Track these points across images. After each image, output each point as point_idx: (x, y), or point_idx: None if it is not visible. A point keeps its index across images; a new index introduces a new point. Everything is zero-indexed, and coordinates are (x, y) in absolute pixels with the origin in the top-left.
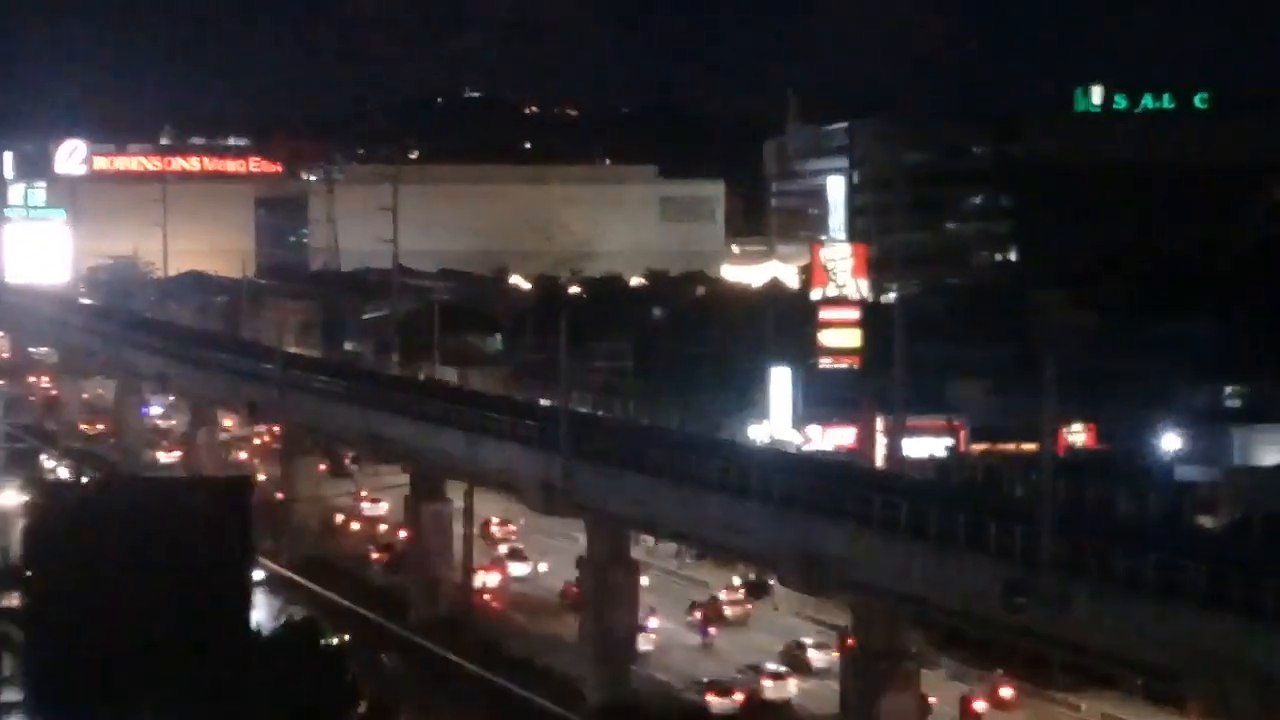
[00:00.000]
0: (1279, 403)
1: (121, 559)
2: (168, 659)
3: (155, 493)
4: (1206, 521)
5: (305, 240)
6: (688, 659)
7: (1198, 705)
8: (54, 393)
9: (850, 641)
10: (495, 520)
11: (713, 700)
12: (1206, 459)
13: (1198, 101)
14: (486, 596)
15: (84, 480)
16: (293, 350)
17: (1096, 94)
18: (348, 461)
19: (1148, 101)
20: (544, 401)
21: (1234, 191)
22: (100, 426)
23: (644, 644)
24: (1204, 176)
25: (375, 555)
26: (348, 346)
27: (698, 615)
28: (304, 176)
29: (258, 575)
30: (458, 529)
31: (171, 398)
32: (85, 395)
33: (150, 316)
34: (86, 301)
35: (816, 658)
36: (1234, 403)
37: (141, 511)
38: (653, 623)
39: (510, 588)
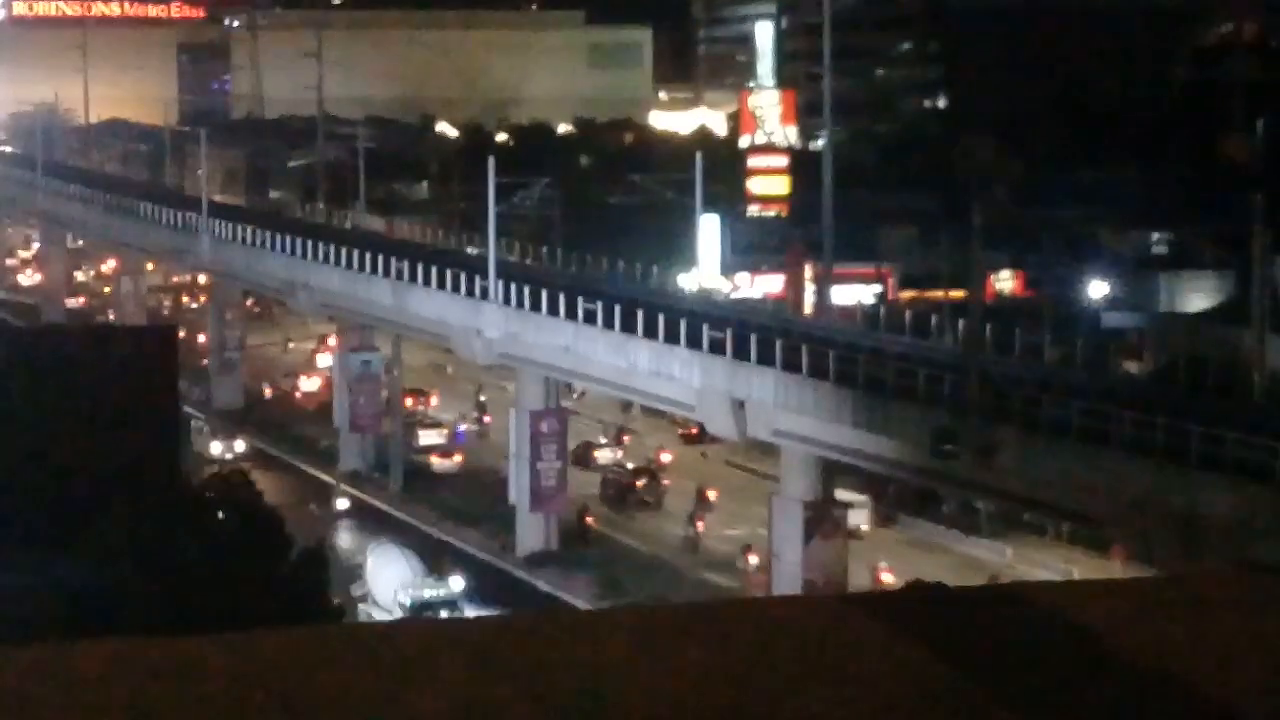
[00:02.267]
0: (1204, 249)
1: (46, 408)
2: (96, 510)
3: (82, 341)
4: (1132, 367)
5: (228, 88)
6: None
7: (1122, 549)
8: None
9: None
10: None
11: None
12: (1133, 305)
13: None
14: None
15: (8, 329)
16: (217, 199)
17: None
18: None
19: None
20: (471, 250)
21: (1161, 36)
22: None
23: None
24: (1132, 20)
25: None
26: (273, 195)
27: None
28: (227, 22)
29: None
30: None
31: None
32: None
33: (72, 164)
34: (6, 149)
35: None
36: (1160, 249)
37: (69, 360)
38: None
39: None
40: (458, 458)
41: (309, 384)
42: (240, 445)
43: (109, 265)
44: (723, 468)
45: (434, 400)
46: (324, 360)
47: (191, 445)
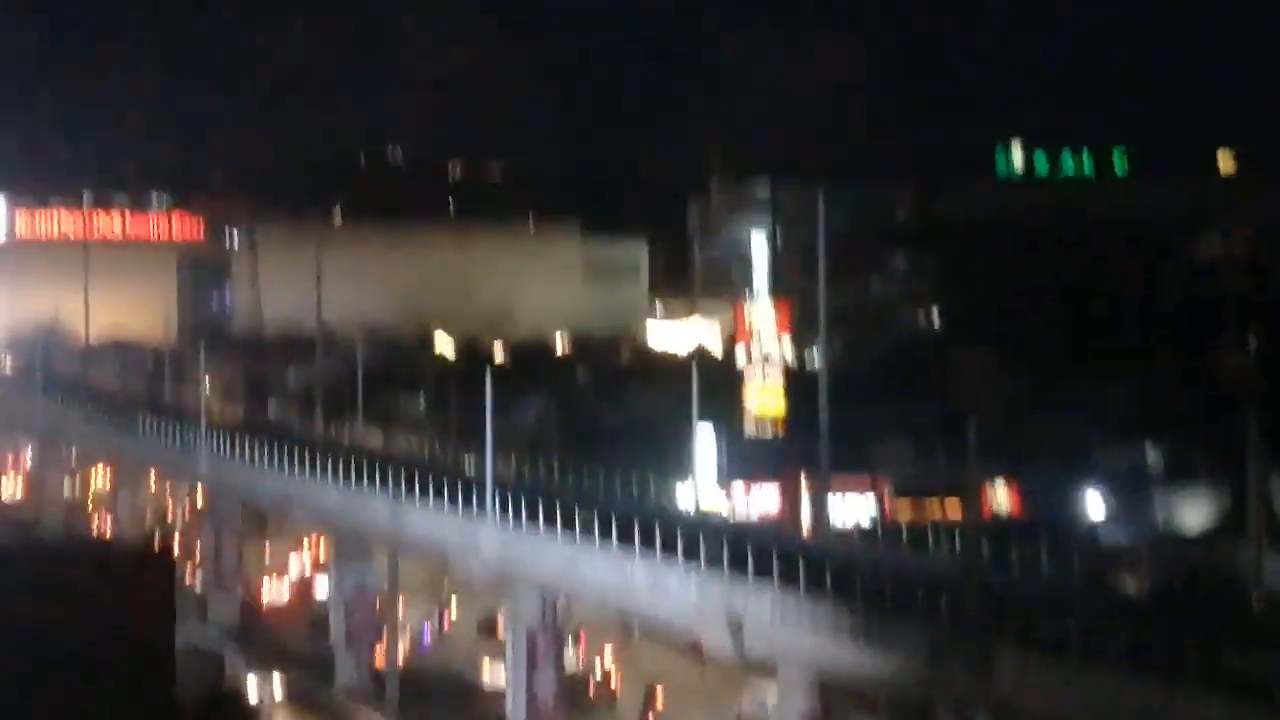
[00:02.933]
0: (1200, 463)
1: (40, 623)
2: None
3: (78, 558)
4: (1129, 582)
5: (228, 303)
6: None
7: None
8: None
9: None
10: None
11: None
12: (1129, 519)
13: (1116, 158)
14: None
15: (3, 547)
16: (216, 414)
17: (1017, 153)
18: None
19: (1067, 158)
20: (468, 461)
21: (1155, 252)
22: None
23: None
24: (1126, 236)
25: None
26: (271, 410)
27: None
28: (228, 238)
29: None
30: None
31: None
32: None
33: (72, 380)
34: (7, 366)
35: None
36: (1156, 463)
37: (64, 577)
38: None
39: None
40: None
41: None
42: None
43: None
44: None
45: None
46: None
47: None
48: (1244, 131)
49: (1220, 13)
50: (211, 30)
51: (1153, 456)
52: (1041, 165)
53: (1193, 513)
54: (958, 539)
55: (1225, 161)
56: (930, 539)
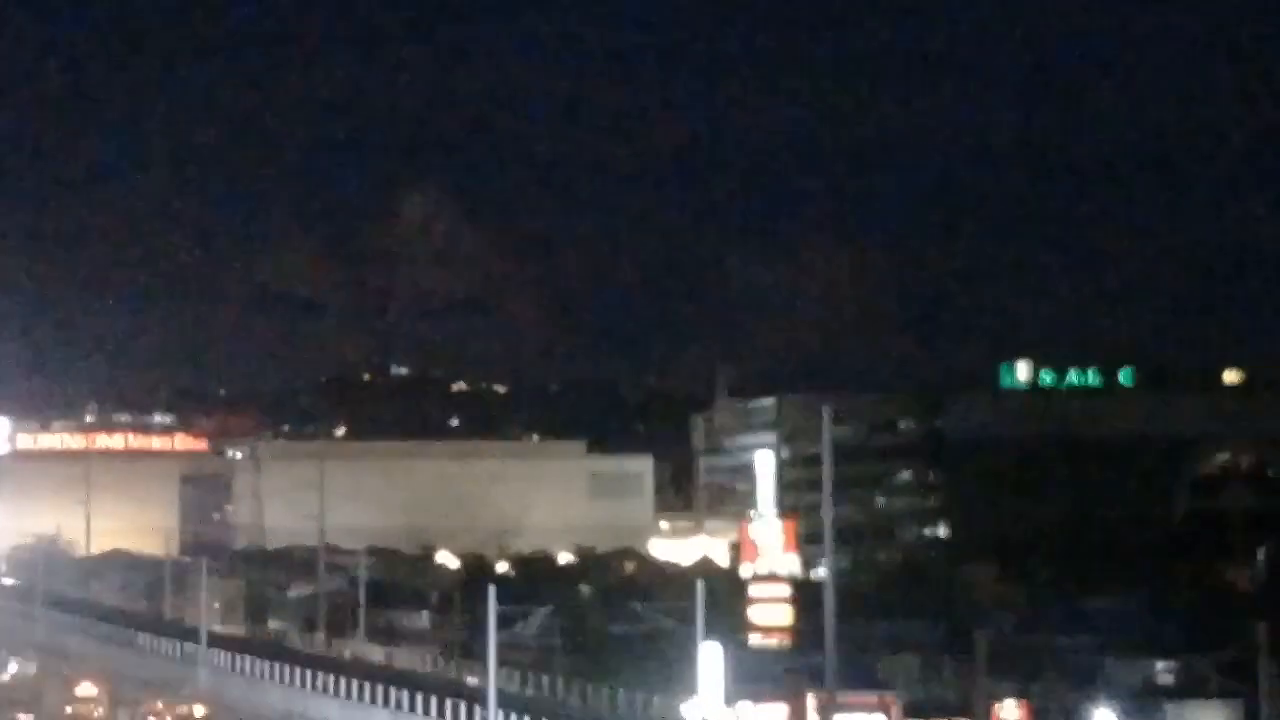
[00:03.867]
0: (1210, 678)
1: None
2: None
3: None
4: None
5: (230, 517)
6: None
7: None
8: None
9: None
10: None
11: None
12: None
13: (1124, 377)
14: None
15: None
16: (217, 628)
17: (1022, 369)
18: None
19: (1073, 377)
20: (471, 680)
21: (1161, 466)
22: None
23: None
24: (1132, 451)
25: None
26: (272, 624)
27: None
28: (229, 453)
29: None
30: None
31: None
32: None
33: (72, 595)
34: (7, 581)
35: None
36: (1166, 678)
37: None
38: None
39: None
40: None
41: None
42: None
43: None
44: None
45: None
46: None
47: None
48: (1247, 348)
49: (1221, 230)
50: (213, 250)
51: (1163, 671)
52: (1046, 380)
53: None
54: None
55: (1230, 376)
56: None
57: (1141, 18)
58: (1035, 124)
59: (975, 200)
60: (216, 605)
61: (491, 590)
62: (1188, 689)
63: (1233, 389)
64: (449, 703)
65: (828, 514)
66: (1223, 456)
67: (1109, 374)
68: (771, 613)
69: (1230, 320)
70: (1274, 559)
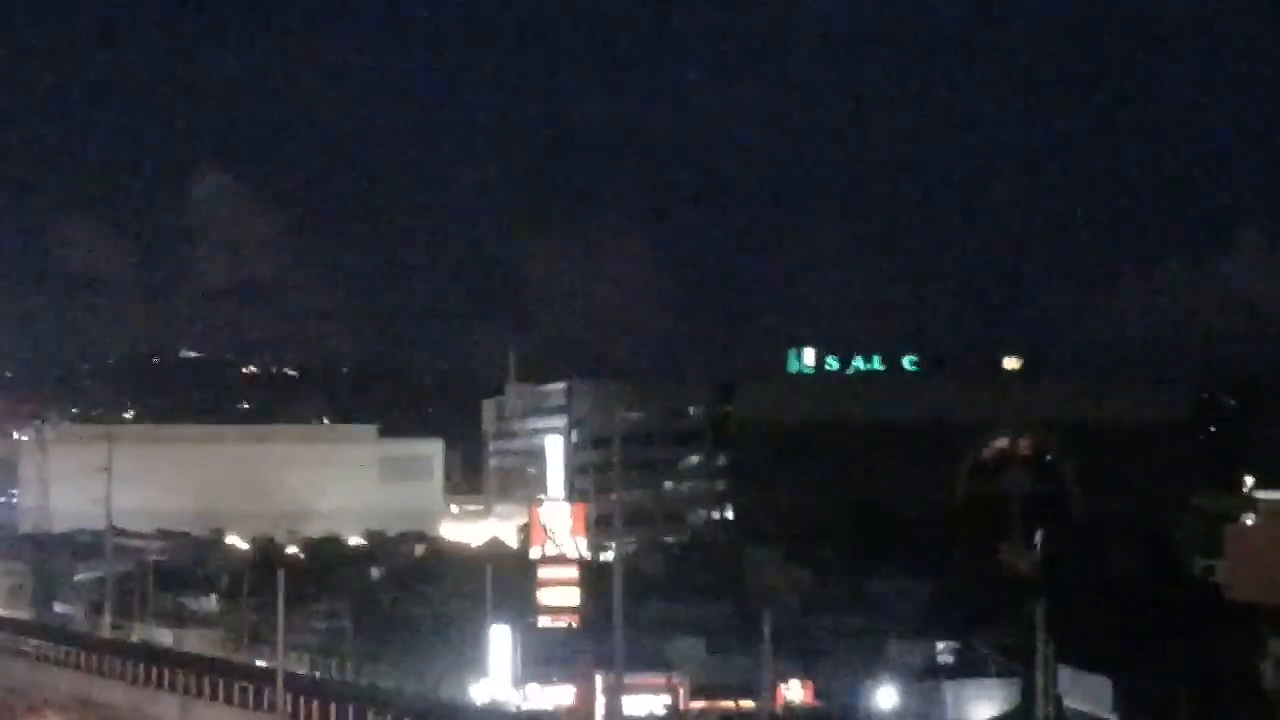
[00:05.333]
0: (988, 657)
1: None
2: None
3: None
4: None
5: (15, 501)
6: None
7: None
8: None
9: None
10: None
11: None
12: (920, 714)
13: (906, 364)
14: None
15: None
16: (2, 612)
17: (809, 355)
18: None
19: (859, 363)
20: (261, 663)
21: (943, 450)
22: None
23: None
24: (914, 436)
25: None
26: (59, 608)
27: None
28: (15, 435)
29: None
30: None
31: None
32: None
33: None
34: None
35: None
36: (946, 658)
37: None
38: None
39: None
40: None
41: None
42: None
43: None
44: None
45: None
46: None
47: None
48: (1026, 335)
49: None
50: (3, 229)
51: (944, 652)
52: (832, 365)
53: (983, 705)
54: None
55: (1010, 363)
56: None
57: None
58: (828, 111)
59: (767, 188)
60: (2, 589)
61: (281, 574)
62: (967, 669)
63: (1012, 375)
64: (237, 686)
65: (617, 497)
66: (1002, 441)
67: (892, 360)
68: (560, 595)
69: (1010, 308)
70: (1051, 542)
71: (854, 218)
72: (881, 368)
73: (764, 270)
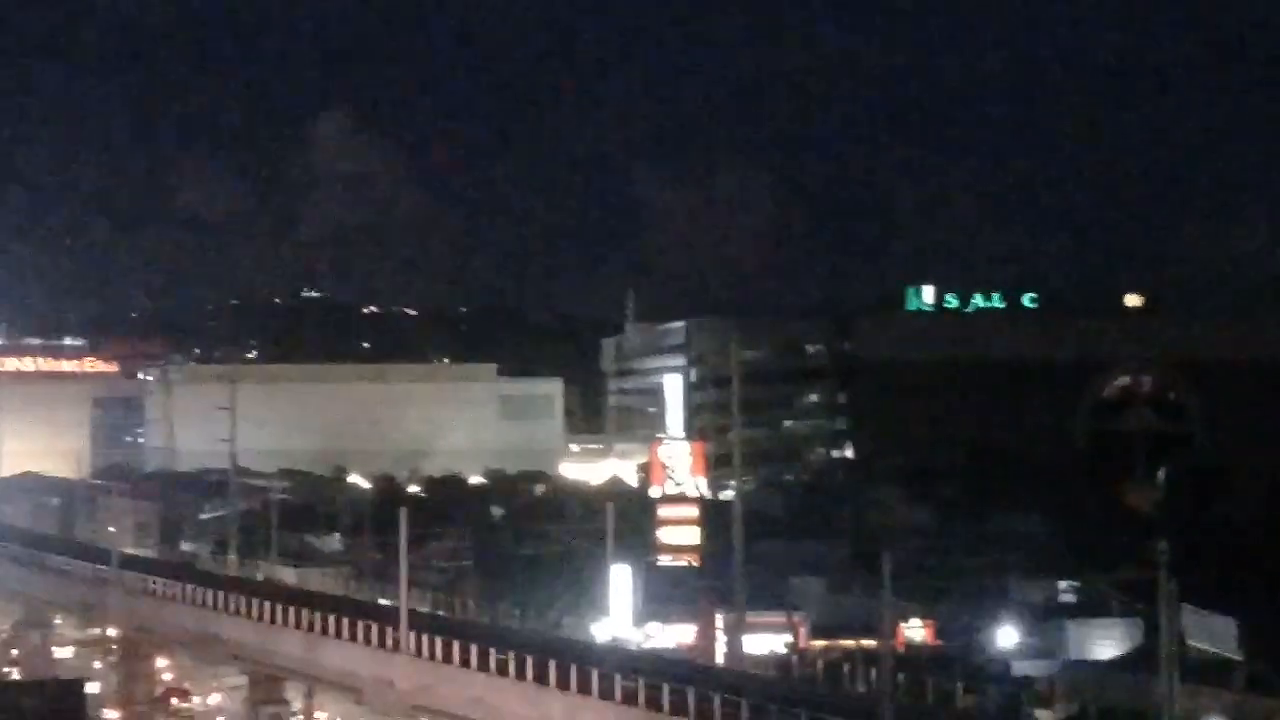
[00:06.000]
0: (1111, 597)
1: None
2: None
3: None
4: (1043, 715)
5: (142, 440)
6: None
7: None
8: None
9: None
10: None
11: None
12: (1042, 653)
13: (1026, 301)
14: None
15: None
16: (129, 551)
17: (928, 293)
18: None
19: (978, 301)
20: (383, 601)
21: (1063, 389)
22: None
23: None
24: (1034, 374)
25: None
26: (185, 547)
27: None
28: (141, 376)
29: None
30: None
31: None
32: None
33: None
34: None
35: None
36: (1068, 597)
37: None
38: None
39: None
40: None
41: None
42: None
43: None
44: None
45: None
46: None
47: None
48: (1149, 271)
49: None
50: (124, 175)
51: (1065, 591)
52: (952, 303)
53: (1105, 645)
54: (873, 672)
55: (1132, 300)
56: (846, 673)
57: None
58: (943, 49)
59: (884, 126)
60: (129, 528)
61: (403, 512)
62: (1089, 608)
63: (1135, 312)
64: (361, 624)
65: (736, 436)
66: (1124, 379)
67: (1013, 297)
68: (680, 533)
69: (1132, 244)
70: (1174, 480)
71: (974, 152)
72: (1001, 305)
73: (883, 207)
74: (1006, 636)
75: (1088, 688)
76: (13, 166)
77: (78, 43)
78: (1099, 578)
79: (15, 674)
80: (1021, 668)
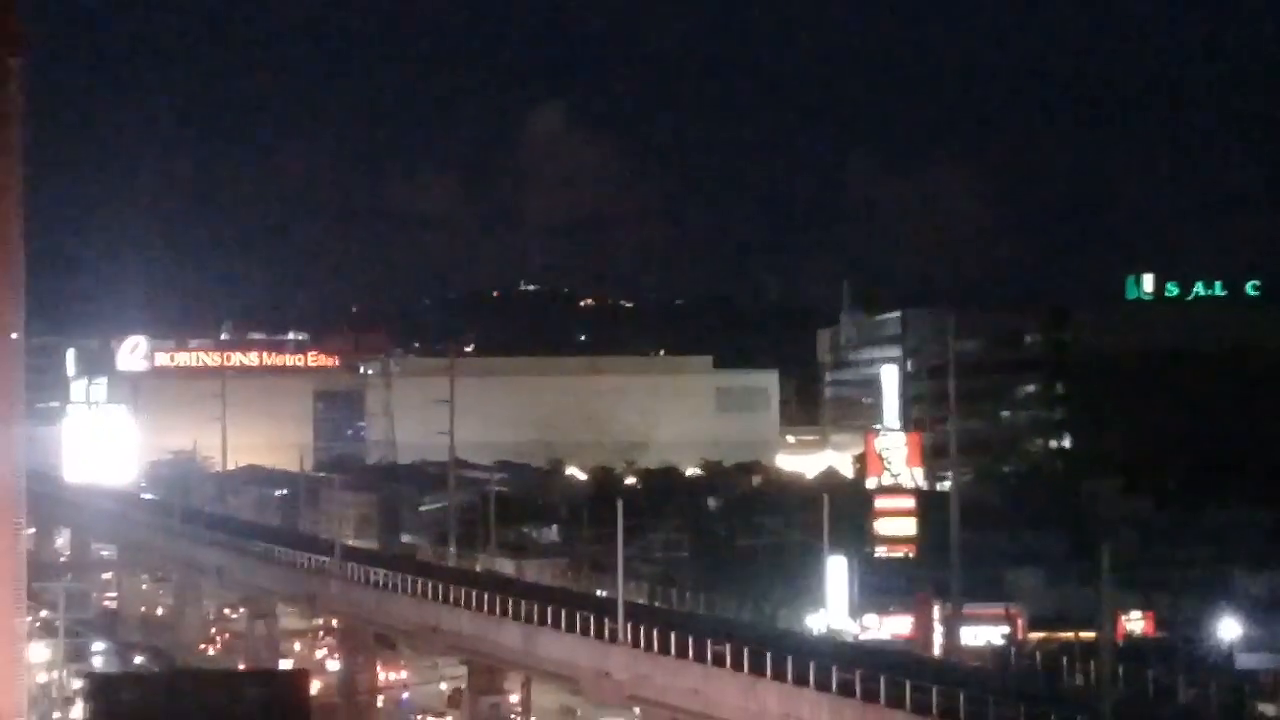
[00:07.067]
0: None
1: None
2: None
3: (215, 686)
4: (1268, 709)
5: (363, 433)
6: None
7: None
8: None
9: None
10: None
11: None
12: (1266, 646)
13: (1250, 289)
14: None
15: (144, 674)
16: (350, 542)
17: (1148, 282)
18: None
19: (1199, 289)
20: (600, 592)
21: None
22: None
23: None
24: (1257, 363)
25: None
26: (405, 538)
27: None
28: (361, 370)
29: None
30: None
31: None
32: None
33: (209, 510)
34: (147, 496)
35: None
36: None
37: (202, 705)
38: None
39: None
40: None
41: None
42: None
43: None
44: None
45: None
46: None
47: None
48: None
49: None
50: (345, 171)
51: None
52: (1173, 292)
53: None
54: (1092, 664)
55: None
56: (1065, 665)
57: None
58: (1160, 42)
59: (1098, 113)
60: (350, 519)
61: (619, 504)
62: None
63: None
64: (579, 615)
65: (952, 427)
66: None
67: (1235, 285)
68: (896, 525)
69: None
70: None
71: (1195, 139)
72: (1223, 294)
73: (1103, 195)
74: (1229, 629)
75: None
76: (236, 164)
77: (297, 44)
78: None
79: (241, 663)
80: (1245, 661)
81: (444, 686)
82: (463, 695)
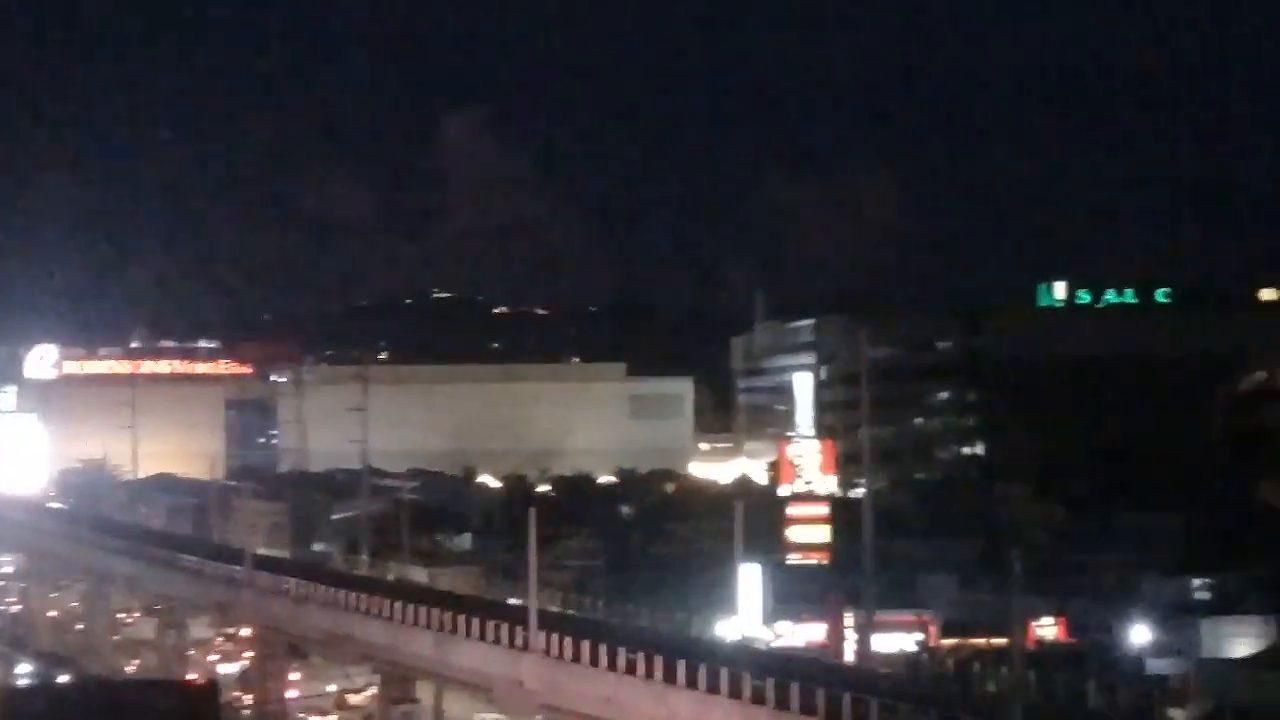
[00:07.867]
0: (1245, 594)
1: None
2: None
3: (124, 696)
4: (1177, 714)
5: (275, 441)
6: None
7: None
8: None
9: None
10: None
11: None
12: (1176, 651)
13: (1160, 296)
14: None
15: (54, 684)
16: (262, 551)
17: (1060, 289)
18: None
19: (1110, 297)
20: (513, 600)
21: (1198, 385)
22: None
23: None
24: (1168, 370)
25: None
26: (317, 547)
27: None
28: (273, 378)
29: None
30: None
31: None
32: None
33: (120, 519)
34: (56, 505)
35: None
36: (1202, 595)
37: (113, 715)
38: None
39: None
40: None
41: None
42: None
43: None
44: None
45: None
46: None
47: None
48: None
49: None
50: (255, 178)
51: (1199, 589)
52: (1084, 299)
53: (1240, 644)
54: (1004, 670)
55: (1266, 294)
56: (977, 671)
57: None
58: (1070, 47)
59: (1010, 121)
60: (262, 528)
61: (532, 512)
62: (1223, 606)
63: (1269, 307)
64: (491, 624)
65: (866, 434)
66: (1260, 375)
67: (1145, 293)
68: (809, 532)
69: (1265, 238)
70: None
71: (1106, 147)
72: (1134, 301)
73: (1014, 203)
74: (1139, 634)
75: (1222, 686)
76: (144, 171)
77: (205, 45)
78: (1233, 575)
79: (151, 673)
80: (1155, 666)
81: (332, 688)
82: (347, 699)
